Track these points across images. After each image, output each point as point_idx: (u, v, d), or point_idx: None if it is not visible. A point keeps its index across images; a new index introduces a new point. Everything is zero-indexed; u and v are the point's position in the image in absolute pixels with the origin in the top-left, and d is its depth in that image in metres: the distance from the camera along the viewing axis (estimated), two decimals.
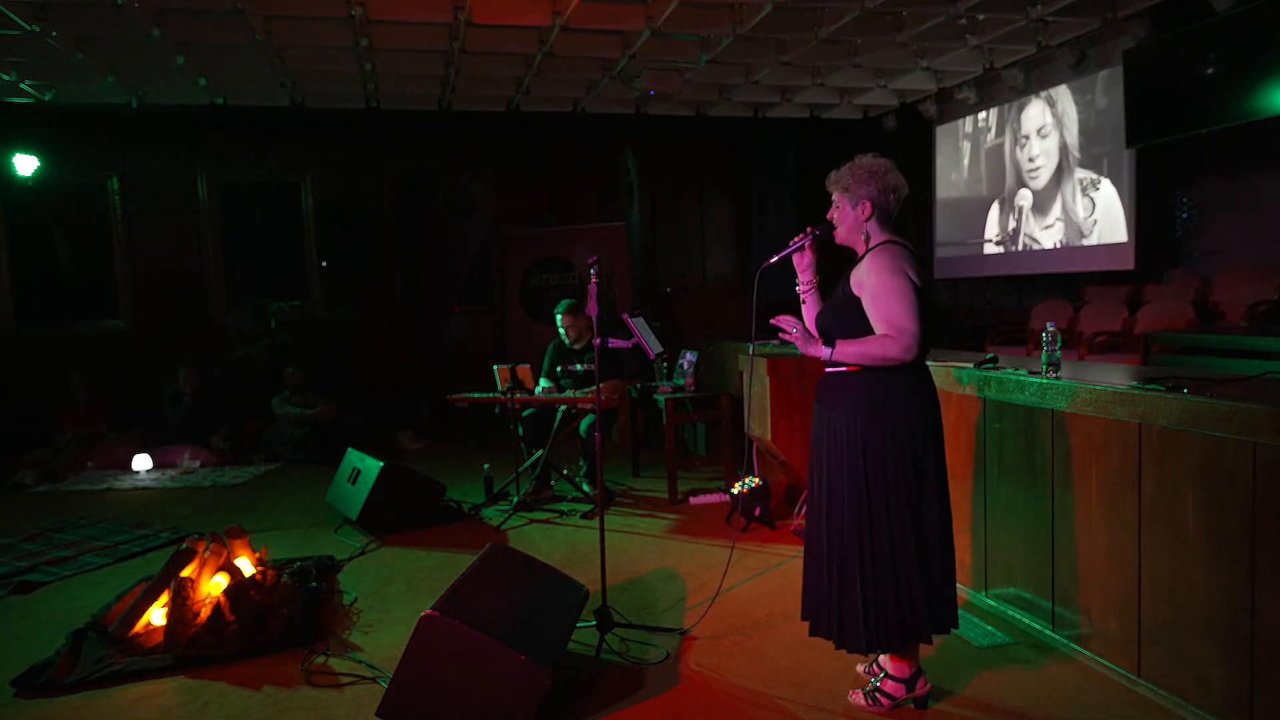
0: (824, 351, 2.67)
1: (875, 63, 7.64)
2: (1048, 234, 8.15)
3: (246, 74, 7.46)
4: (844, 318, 2.72)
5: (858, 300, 2.67)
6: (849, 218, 2.76)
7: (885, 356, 2.61)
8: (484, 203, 10.16)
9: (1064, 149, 7.89)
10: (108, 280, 9.24)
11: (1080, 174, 7.74)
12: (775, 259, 2.94)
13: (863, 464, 2.68)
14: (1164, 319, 6.56)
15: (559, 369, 6.14)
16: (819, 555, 2.83)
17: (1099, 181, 7.53)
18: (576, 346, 6.08)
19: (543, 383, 6.09)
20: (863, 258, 2.73)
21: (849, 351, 2.64)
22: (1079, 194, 7.76)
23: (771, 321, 2.78)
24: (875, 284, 2.63)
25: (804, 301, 2.99)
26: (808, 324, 2.99)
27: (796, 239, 2.90)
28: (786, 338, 2.74)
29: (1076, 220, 7.80)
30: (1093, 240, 7.64)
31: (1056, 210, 8.03)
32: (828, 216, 2.83)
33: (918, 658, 2.83)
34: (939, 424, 2.77)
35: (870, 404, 2.67)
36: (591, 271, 3.65)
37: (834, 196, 2.80)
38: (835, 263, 2.96)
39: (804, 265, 2.94)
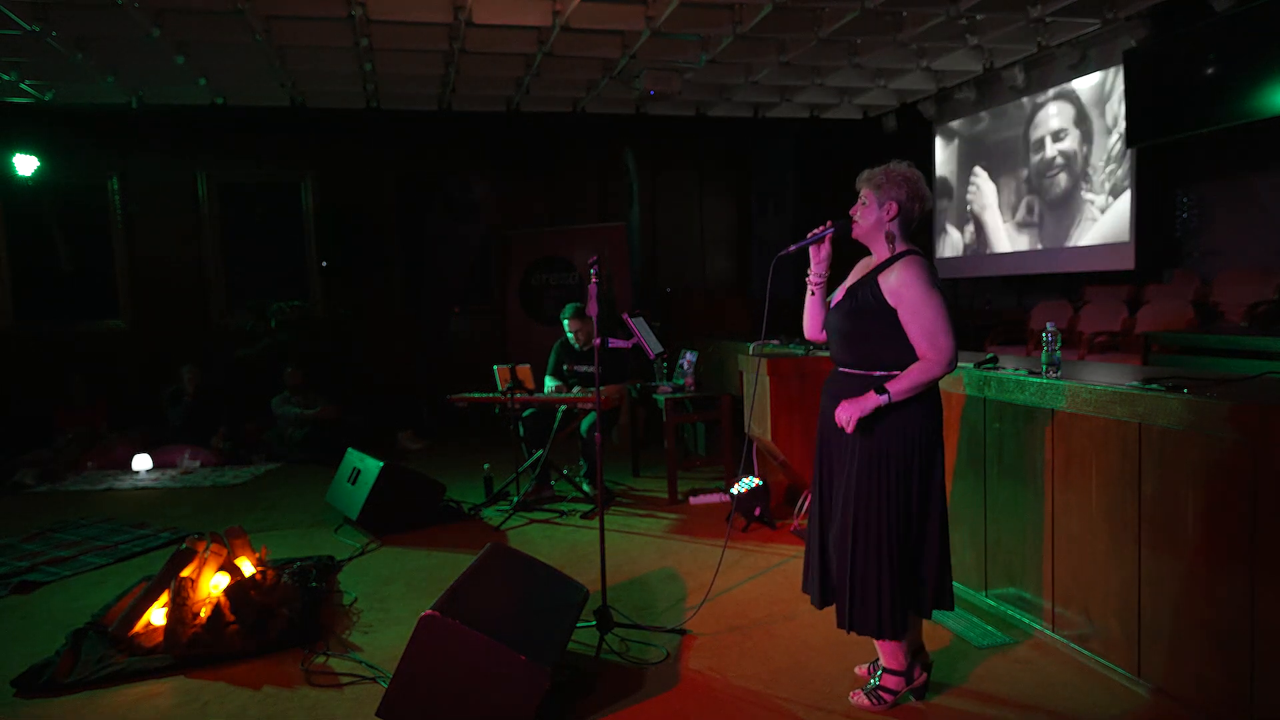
0: (883, 399, 2.66)
1: (875, 63, 7.63)
2: (1054, 235, 8.15)
3: (246, 74, 7.45)
4: (876, 324, 2.73)
5: (892, 311, 2.69)
6: (873, 215, 2.78)
7: (932, 379, 2.66)
8: (484, 203, 10.16)
9: (1065, 150, 7.89)
10: (108, 280, 9.23)
11: (1084, 175, 7.74)
12: (794, 248, 2.95)
13: (880, 464, 2.71)
14: (1164, 319, 6.56)
15: (565, 368, 6.16)
16: (828, 545, 2.85)
17: (1107, 187, 7.52)
18: (584, 350, 6.10)
19: (549, 382, 6.10)
20: (889, 264, 2.74)
21: (903, 388, 2.66)
22: (1084, 196, 7.76)
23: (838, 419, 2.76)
24: (914, 298, 2.65)
25: (812, 293, 2.99)
26: (809, 317, 3.00)
27: (817, 230, 2.91)
28: (849, 426, 2.71)
29: (1084, 221, 7.80)
30: (1093, 240, 7.63)
31: (1062, 211, 8.03)
32: (851, 212, 2.84)
33: (911, 649, 2.86)
34: (940, 415, 2.83)
35: (887, 408, 2.69)
36: (591, 271, 3.65)
37: (862, 192, 2.82)
38: (842, 261, 2.97)
39: (820, 258, 2.95)
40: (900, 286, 2.68)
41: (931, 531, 2.77)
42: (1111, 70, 7.19)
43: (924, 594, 2.79)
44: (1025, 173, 8.39)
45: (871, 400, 2.67)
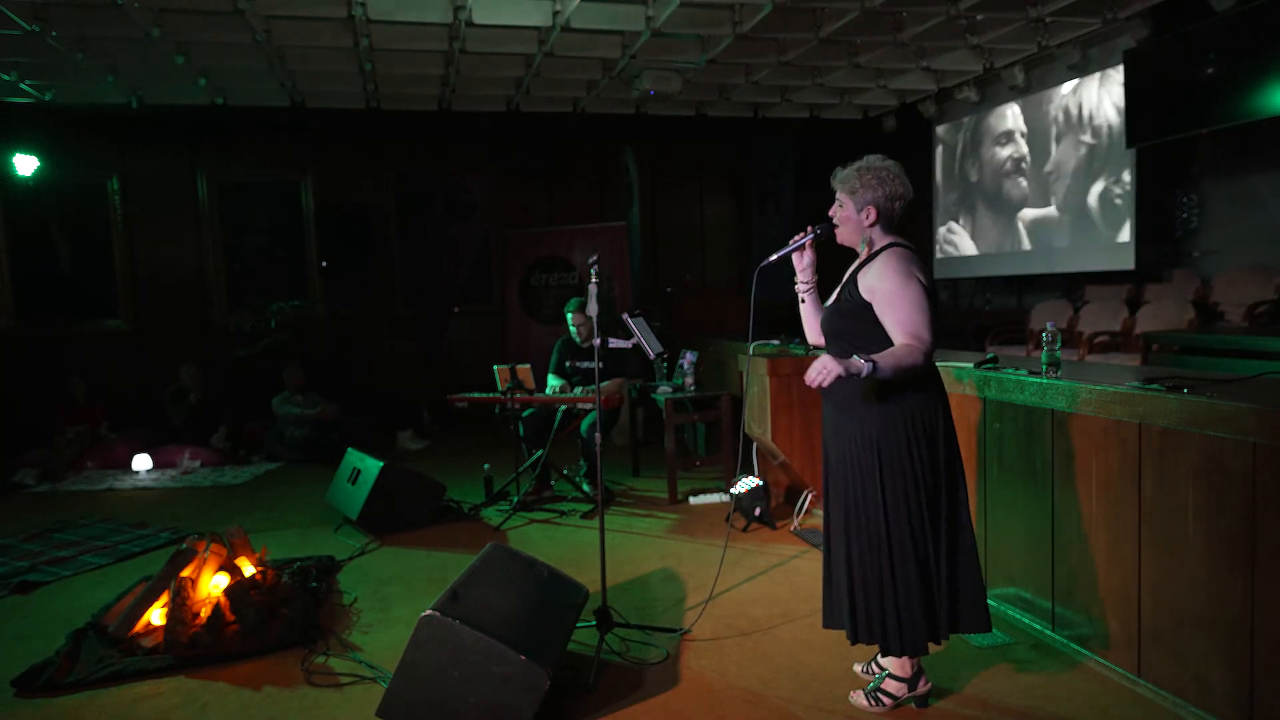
0: (866, 366, 2.51)
1: (875, 63, 7.63)
2: (1054, 236, 8.15)
3: (246, 74, 7.45)
4: (853, 322, 2.70)
5: (868, 305, 2.65)
6: (851, 219, 2.74)
7: (914, 365, 2.58)
8: (484, 203, 10.16)
9: (1066, 150, 7.89)
10: (108, 280, 9.22)
11: (1084, 176, 7.74)
12: (775, 257, 2.90)
13: (882, 464, 2.68)
14: (1164, 319, 6.57)
15: (567, 365, 6.15)
16: (843, 558, 2.79)
17: (1107, 188, 7.52)
18: (586, 345, 6.10)
19: (552, 380, 6.09)
20: (869, 260, 2.71)
21: (889, 363, 2.53)
22: (1083, 196, 7.76)
23: (807, 380, 2.55)
24: (888, 289, 2.61)
25: (802, 301, 2.96)
26: (807, 324, 2.98)
27: (797, 238, 2.86)
28: (823, 378, 2.50)
29: (1083, 221, 7.80)
30: (1094, 240, 7.63)
31: (1061, 211, 8.03)
32: (830, 213, 2.81)
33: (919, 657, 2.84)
34: (950, 416, 2.78)
35: (888, 404, 2.66)
36: (592, 271, 3.65)
37: (838, 194, 2.77)
38: (835, 262, 2.95)
39: (803, 265, 2.90)
40: (874, 279, 2.64)
41: (960, 539, 2.73)
42: (1111, 70, 7.19)
43: (966, 610, 2.74)
44: (1025, 173, 8.39)
45: (856, 364, 2.49)
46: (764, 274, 2.95)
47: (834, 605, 2.88)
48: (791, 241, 2.87)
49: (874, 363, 2.51)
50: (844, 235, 2.79)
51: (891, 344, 2.62)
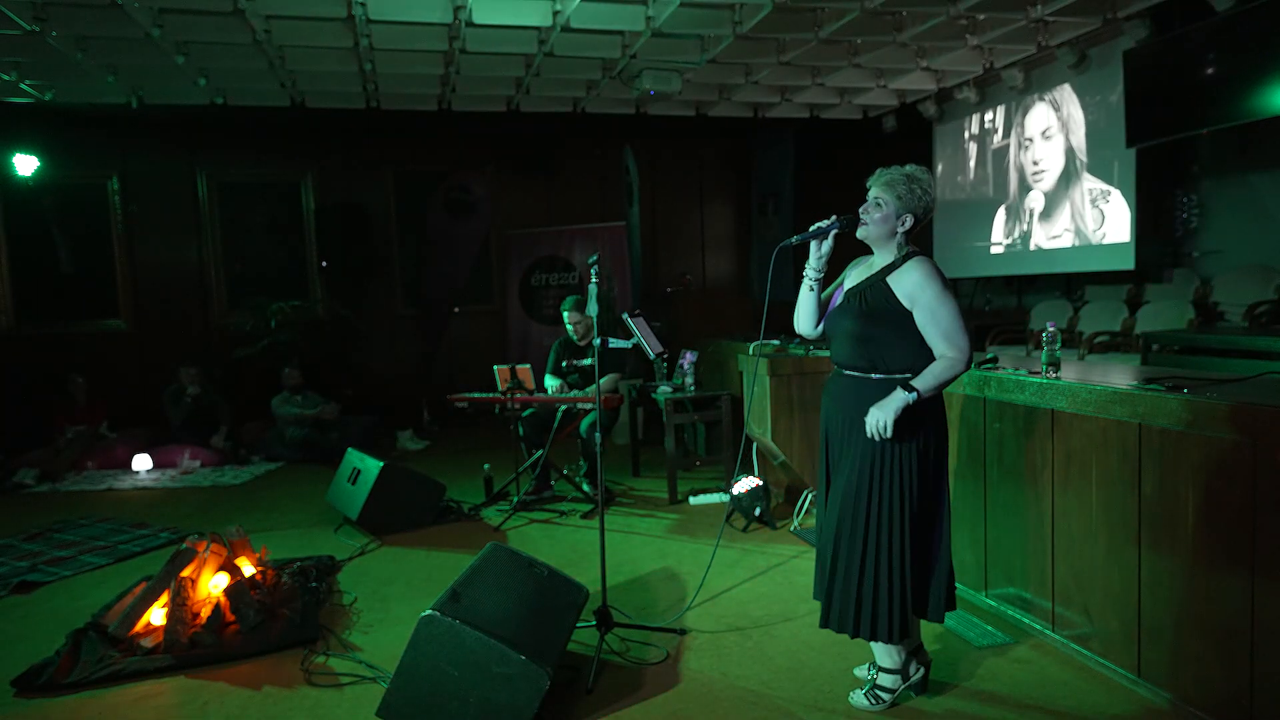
0: (912, 396, 2.64)
1: (875, 63, 7.63)
2: (1054, 236, 8.14)
3: (246, 74, 7.45)
4: (886, 328, 2.72)
5: (907, 314, 2.69)
6: (888, 224, 2.75)
7: (955, 376, 2.68)
8: (484, 203, 10.16)
9: (1066, 151, 7.89)
10: (108, 280, 9.22)
11: (1085, 176, 7.73)
12: (797, 239, 2.92)
13: (895, 465, 2.71)
14: (1164, 319, 6.57)
15: (565, 364, 6.15)
16: (842, 552, 2.80)
17: (1108, 188, 7.52)
18: (583, 344, 6.09)
19: (550, 380, 6.09)
20: (897, 267, 2.73)
21: (930, 385, 2.65)
22: (1084, 197, 7.76)
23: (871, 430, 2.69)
24: (930, 299, 2.66)
25: (810, 288, 2.95)
26: (805, 311, 2.97)
27: (823, 224, 2.86)
28: (882, 424, 2.65)
29: (1083, 222, 7.80)
30: (1097, 242, 7.63)
31: (1062, 212, 8.03)
32: (862, 209, 2.81)
33: (907, 647, 2.87)
34: (946, 424, 2.85)
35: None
36: (592, 271, 3.65)
37: (876, 192, 2.77)
38: (839, 257, 2.95)
39: (821, 253, 2.91)
40: (915, 289, 2.68)
41: (941, 534, 2.79)
42: (1111, 70, 7.19)
43: (936, 596, 2.80)
44: (1028, 175, 8.39)
45: (899, 399, 2.63)
46: (778, 258, 2.97)
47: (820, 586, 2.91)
48: (815, 227, 2.88)
49: (917, 391, 2.64)
50: (871, 234, 2.80)
51: (920, 347, 2.70)
